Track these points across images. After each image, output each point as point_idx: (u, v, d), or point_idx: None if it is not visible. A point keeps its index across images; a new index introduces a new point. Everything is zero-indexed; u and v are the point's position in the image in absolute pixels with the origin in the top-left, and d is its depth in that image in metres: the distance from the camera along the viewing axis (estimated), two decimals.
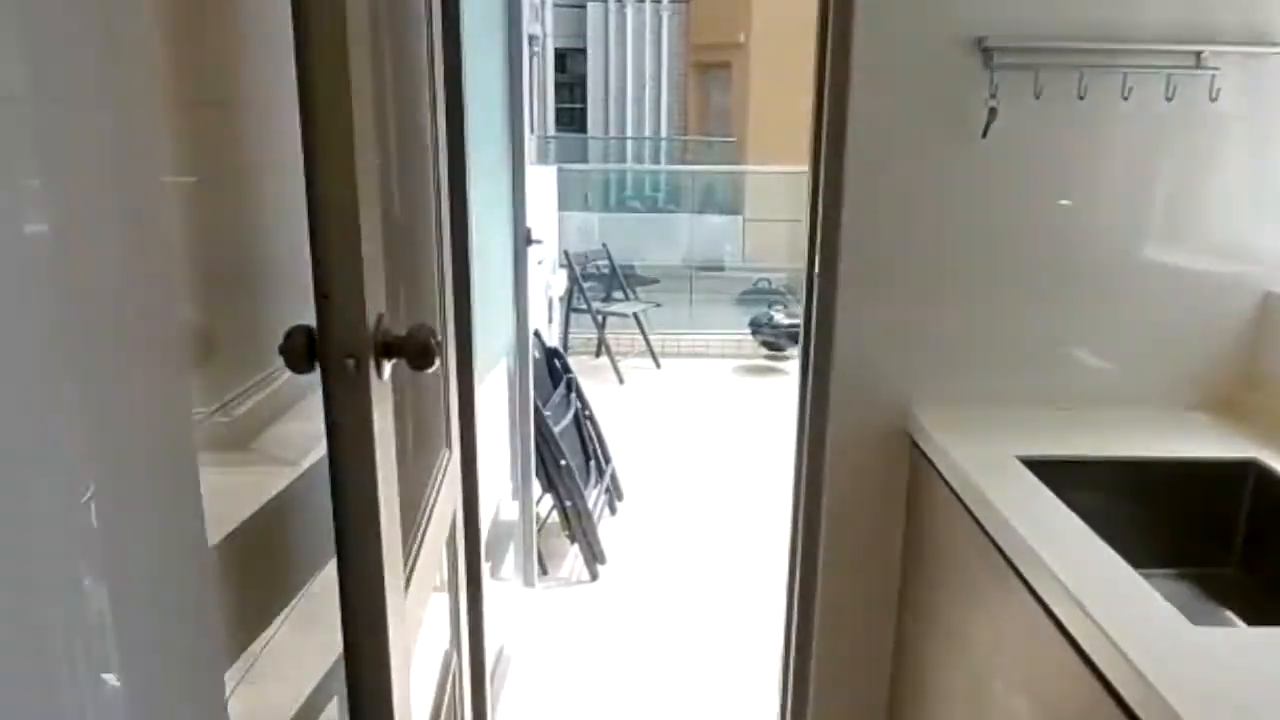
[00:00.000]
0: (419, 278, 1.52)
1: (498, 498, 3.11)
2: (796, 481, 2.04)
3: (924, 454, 1.72)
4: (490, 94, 2.55)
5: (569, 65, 15.78)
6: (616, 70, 15.37)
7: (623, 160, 15.88)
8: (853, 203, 1.72)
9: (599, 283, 6.34)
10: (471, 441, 1.84)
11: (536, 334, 3.83)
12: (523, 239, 2.74)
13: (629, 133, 15.60)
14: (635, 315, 5.97)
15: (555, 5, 15.01)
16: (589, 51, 15.42)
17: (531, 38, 13.74)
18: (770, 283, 7.25)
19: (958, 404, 1.79)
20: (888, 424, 1.82)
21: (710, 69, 14.27)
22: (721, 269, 9.99)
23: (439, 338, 1.05)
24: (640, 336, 6.09)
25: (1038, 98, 1.62)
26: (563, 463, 3.21)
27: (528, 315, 2.86)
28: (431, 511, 1.55)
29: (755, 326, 6.01)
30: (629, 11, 15.07)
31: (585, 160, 15.44)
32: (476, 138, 2.23)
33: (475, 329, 2.01)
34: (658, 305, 6.06)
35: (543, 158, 14.27)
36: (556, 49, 15.21)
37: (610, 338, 6.19)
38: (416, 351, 1.03)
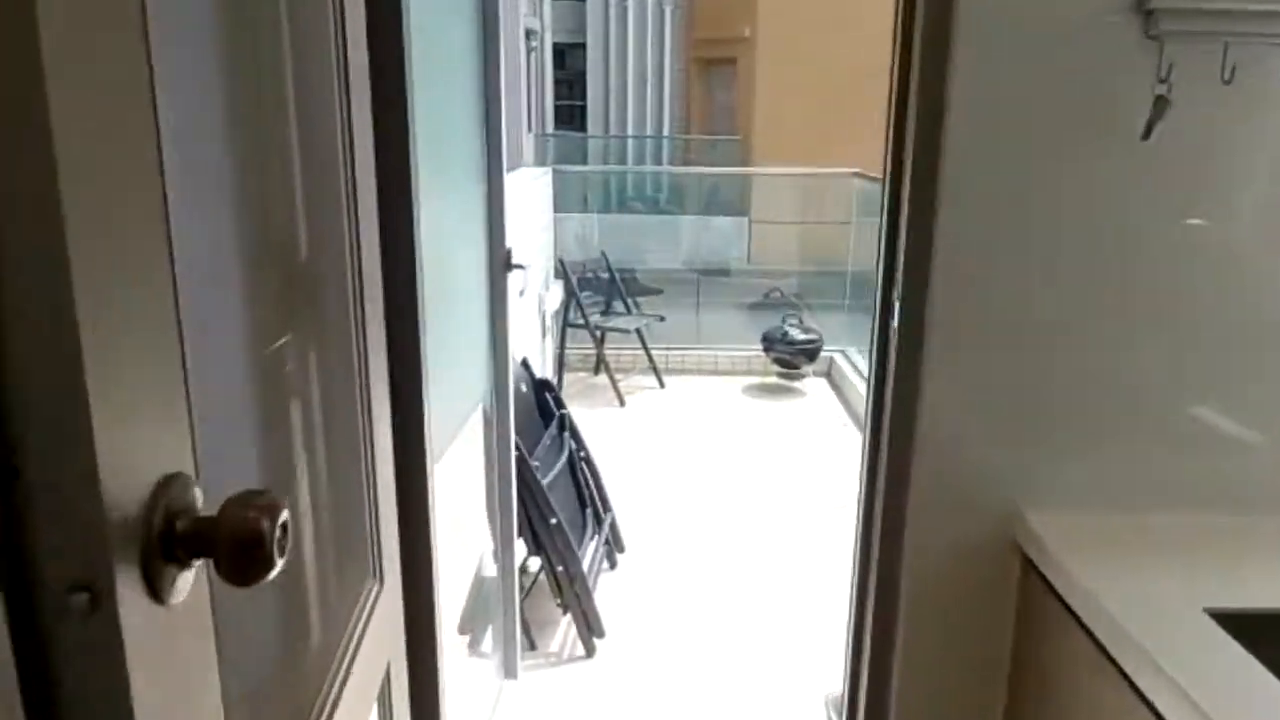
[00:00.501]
0: (326, 347, 1.03)
1: (479, 552, 2.62)
2: (863, 569, 1.55)
3: (1047, 583, 1.23)
4: (458, 89, 2.05)
5: (568, 61, 15.28)
6: (617, 66, 14.87)
7: (623, 160, 15.38)
8: (949, 225, 1.23)
9: (598, 292, 5.86)
10: (424, 561, 1.34)
11: (524, 363, 3.33)
12: (501, 264, 2.24)
13: (630, 131, 15.10)
14: (637, 331, 5.48)
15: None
16: (588, 47, 14.92)
17: (529, 32, 13.23)
18: (782, 293, 6.75)
19: (1088, 507, 1.30)
20: (988, 527, 1.33)
21: (714, 65, 13.77)
22: (727, 274, 9.49)
23: (282, 517, 0.55)
24: (643, 352, 5.60)
25: (1227, 82, 1.13)
26: (552, 521, 2.72)
27: (508, 352, 2.36)
28: (349, 667, 1.06)
29: (768, 343, 5.52)
30: (630, 5, 14.56)
31: (584, 160, 14.95)
32: (438, 142, 1.73)
33: (434, 382, 1.52)
34: (661, 319, 5.57)
35: (540, 158, 13.77)
36: (555, 44, 14.71)
37: (610, 354, 5.70)
38: (233, 548, 0.54)
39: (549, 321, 5.19)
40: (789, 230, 10.15)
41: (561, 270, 5.42)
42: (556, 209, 8.74)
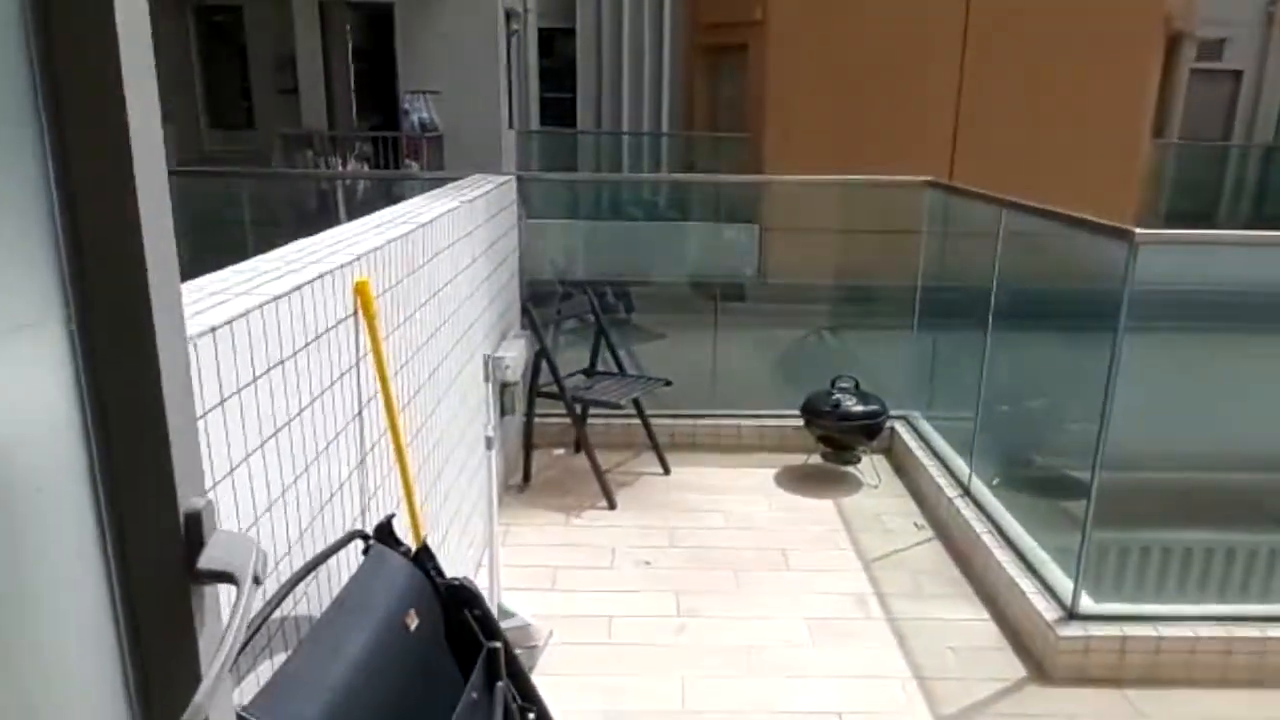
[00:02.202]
0: None
1: None
2: None
3: None
4: None
5: (557, 48, 13.76)
6: (610, 55, 13.34)
7: (618, 160, 13.86)
8: None
9: (578, 332, 4.38)
10: None
11: (418, 555, 1.82)
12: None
13: (625, 127, 13.58)
14: (636, 402, 4.01)
15: None
16: (579, 32, 13.39)
17: (510, 14, 11.68)
18: (824, 336, 5.26)
19: None
20: None
21: (721, 53, 12.26)
22: (741, 298, 7.97)
23: None
24: (639, 421, 4.12)
25: None
26: None
27: None
28: None
29: (812, 413, 4.04)
30: None
31: (574, 160, 13.43)
32: None
33: None
34: (666, 384, 4.07)
35: (524, 158, 12.25)
36: (541, 29, 13.19)
37: (597, 424, 4.23)
38: None
39: (501, 396, 3.70)
40: (809, 239, 8.64)
41: (528, 318, 3.92)
42: (534, 214, 7.16)
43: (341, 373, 1.80)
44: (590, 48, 13.39)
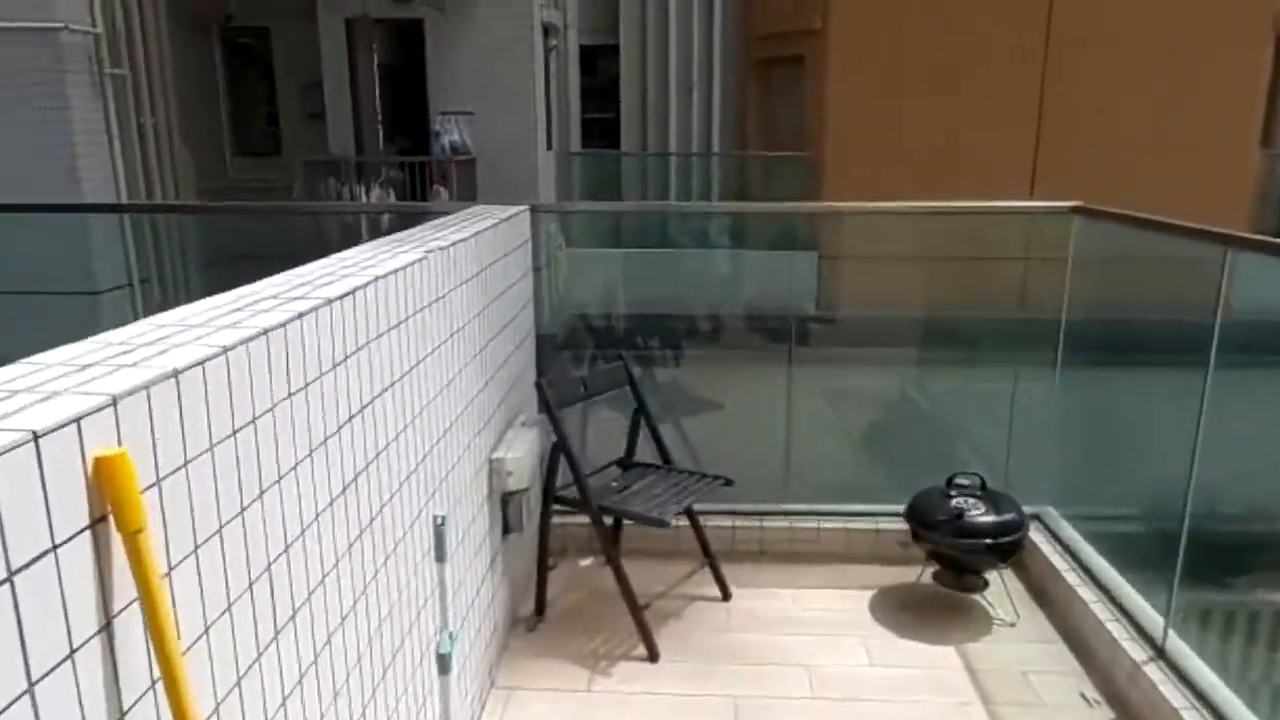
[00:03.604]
0: None
1: None
2: None
3: None
4: None
5: (600, 66, 12.88)
6: (656, 72, 12.42)
7: (665, 184, 12.90)
8: None
9: (612, 402, 3.38)
10: None
11: None
12: None
13: (672, 148, 12.62)
14: (688, 513, 2.99)
15: None
16: (622, 48, 12.50)
17: (548, 29, 10.82)
18: (917, 388, 4.20)
19: None
20: None
21: (776, 66, 11.26)
22: (805, 339, 6.91)
23: None
24: (688, 525, 3.11)
25: None
26: None
27: None
28: None
29: (922, 522, 2.98)
30: None
31: (618, 185, 12.52)
32: None
33: None
34: (727, 484, 3.03)
35: (564, 183, 11.37)
36: (583, 47, 12.33)
37: (634, 530, 3.22)
38: None
39: (505, 509, 2.70)
40: (873, 268, 7.57)
41: (543, 399, 2.92)
42: (572, 242, 6.16)
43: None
44: (635, 64, 12.49)
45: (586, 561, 3.39)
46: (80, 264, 7.48)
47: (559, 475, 2.97)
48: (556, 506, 3.00)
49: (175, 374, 1.03)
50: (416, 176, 10.23)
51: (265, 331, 1.26)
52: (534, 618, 3.04)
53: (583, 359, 5.03)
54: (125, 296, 7.80)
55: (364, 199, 10.00)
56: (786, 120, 11.38)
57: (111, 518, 0.90)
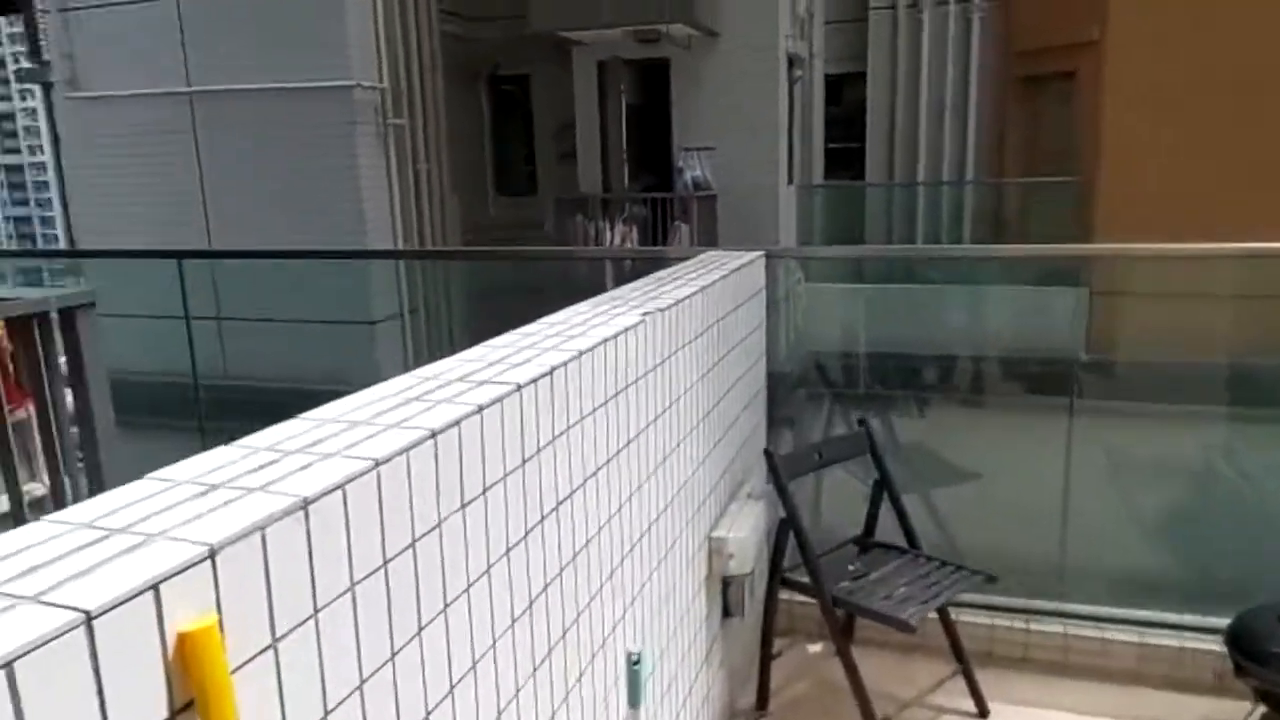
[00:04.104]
0: None
1: None
2: None
3: None
4: None
5: (845, 94, 12.43)
6: (906, 97, 11.78)
7: (911, 215, 12.16)
8: None
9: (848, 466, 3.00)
10: None
11: None
12: None
13: (921, 177, 11.89)
14: (942, 613, 2.56)
15: (827, 22, 11.79)
16: (870, 75, 11.98)
17: (793, 60, 10.55)
18: (1231, 459, 3.45)
19: None
20: None
21: (1042, 84, 10.30)
22: (1076, 394, 6.08)
23: None
24: (936, 620, 2.67)
25: None
26: None
27: None
28: None
29: (1252, 653, 2.35)
30: (925, 18, 11.45)
31: (861, 217, 11.97)
32: None
33: None
34: (989, 580, 2.52)
35: (805, 217, 11.01)
36: (828, 75, 11.95)
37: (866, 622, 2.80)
38: None
39: (725, 593, 2.42)
40: (1160, 307, 6.64)
41: (772, 472, 2.62)
42: (811, 276, 5.81)
43: None
44: (883, 91, 11.91)
45: (815, 647, 3.03)
46: (361, 297, 8.15)
47: (787, 553, 2.65)
48: (784, 581, 2.67)
49: (304, 504, 0.84)
50: (659, 212, 10.29)
51: (434, 434, 1.06)
52: (755, 712, 2.72)
53: (819, 399, 4.69)
54: (396, 325, 8.42)
55: (609, 234, 10.24)
56: (1051, 141, 10.32)
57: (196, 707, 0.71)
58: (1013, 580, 2.90)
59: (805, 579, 2.56)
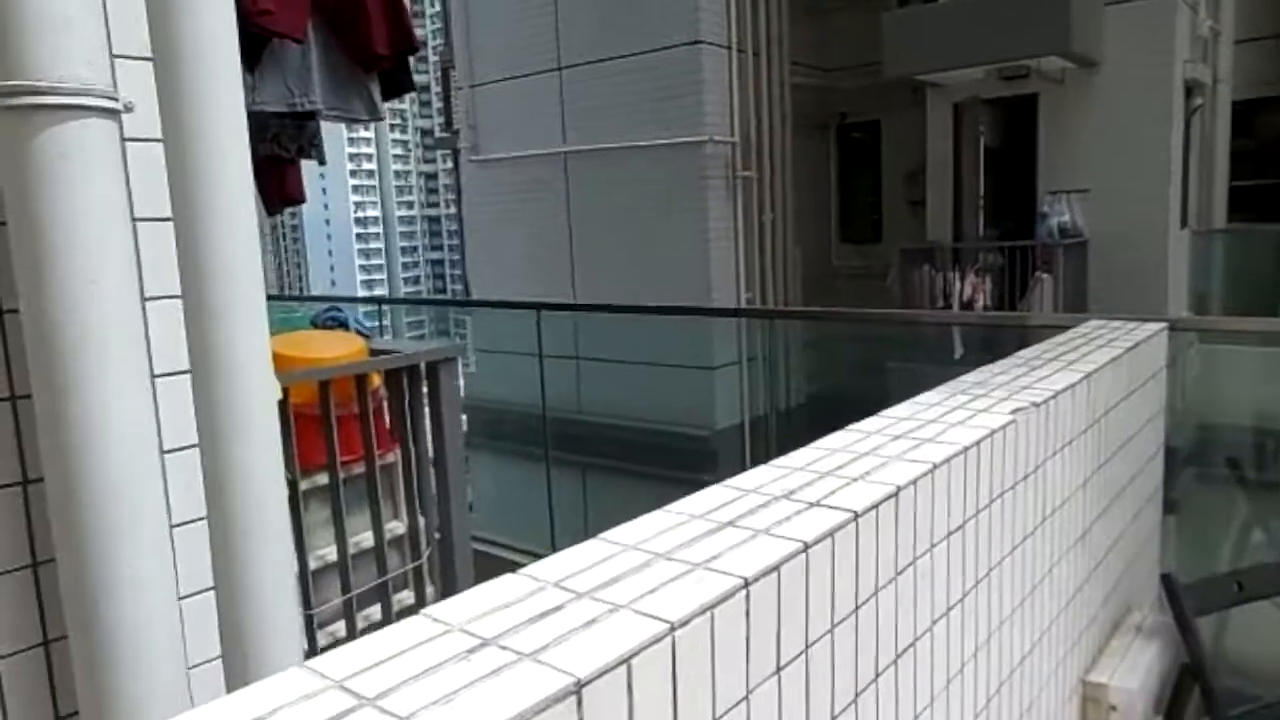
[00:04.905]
0: None
1: None
2: None
3: None
4: None
5: (1259, 123, 10.54)
6: None
7: None
8: None
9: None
10: None
11: None
12: None
13: None
14: None
15: (1238, 40, 10.12)
16: None
17: (1191, 88, 9.14)
18: None
19: None
20: None
21: None
22: None
23: None
24: None
25: None
26: None
27: None
28: None
29: None
30: None
31: (1277, 265, 10.00)
32: None
33: None
34: None
35: (1201, 268, 9.49)
36: (1235, 103, 10.22)
37: None
38: None
39: None
40: None
41: (1173, 602, 2.09)
42: (1203, 337, 4.99)
43: None
44: None
45: None
46: (703, 344, 8.36)
47: (1190, 710, 2.10)
48: None
49: (745, 585, 0.68)
50: (1017, 262, 9.40)
51: (746, 584, 0.87)
52: None
53: (1210, 481, 3.90)
54: (734, 371, 8.50)
55: (958, 286, 9.54)
56: None
57: None
58: None
59: None
